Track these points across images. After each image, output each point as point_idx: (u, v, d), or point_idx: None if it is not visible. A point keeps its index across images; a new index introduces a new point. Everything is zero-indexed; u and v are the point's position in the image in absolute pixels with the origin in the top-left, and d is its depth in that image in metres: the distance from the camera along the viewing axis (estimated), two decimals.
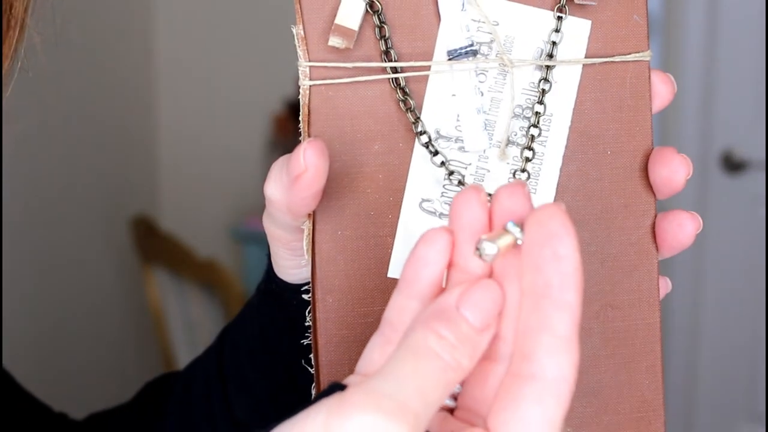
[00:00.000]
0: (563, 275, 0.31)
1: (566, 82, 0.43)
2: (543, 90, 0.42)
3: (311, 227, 0.41)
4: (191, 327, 1.87)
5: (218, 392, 0.53)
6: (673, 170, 0.43)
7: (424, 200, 0.42)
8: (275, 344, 0.49)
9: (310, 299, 0.42)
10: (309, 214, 0.41)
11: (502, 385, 0.32)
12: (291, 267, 0.45)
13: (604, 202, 0.43)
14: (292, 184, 0.38)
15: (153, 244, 1.90)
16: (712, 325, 2.06)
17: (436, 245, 0.33)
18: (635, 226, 0.43)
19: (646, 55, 0.43)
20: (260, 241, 2.30)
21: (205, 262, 1.81)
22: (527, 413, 0.31)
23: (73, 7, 1.87)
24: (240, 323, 0.53)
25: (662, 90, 0.44)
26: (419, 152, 0.41)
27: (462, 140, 0.42)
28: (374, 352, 0.33)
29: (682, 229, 0.43)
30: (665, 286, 0.45)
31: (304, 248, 0.42)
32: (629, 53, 0.43)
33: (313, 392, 0.42)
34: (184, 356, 1.81)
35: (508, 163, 0.42)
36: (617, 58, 0.43)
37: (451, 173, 0.41)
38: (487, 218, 0.33)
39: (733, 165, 2.00)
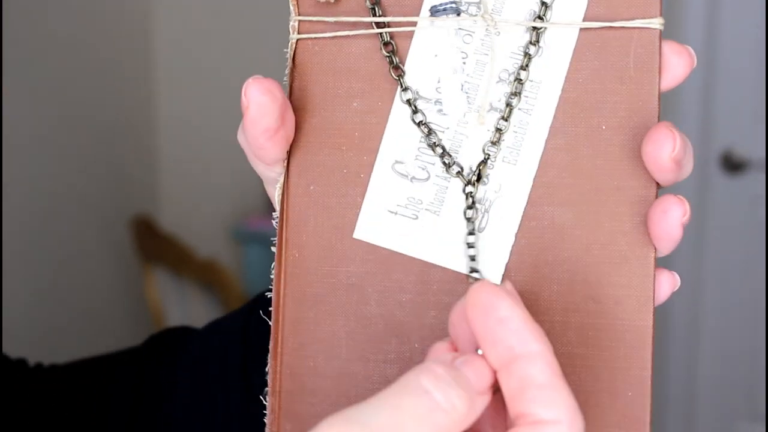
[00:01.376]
0: (516, 332, 0.31)
1: (559, 48, 0.39)
2: (528, 54, 0.39)
3: (285, 179, 0.41)
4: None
5: (238, 357, 0.52)
6: (657, 145, 0.37)
7: (397, 162, 0.40)
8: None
9: (276, 253, 0.41)
10: (284, 166, 0.41)
11: None
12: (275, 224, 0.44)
13: (595, 182, 0.39)
14: (243, 123, 0.39)
15: (153, 244, 1.90)
16: (712, 325, 2.06)
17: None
18: (630, 213, 0.38)
19: (655, 23, 0.38)
20: (260, 241, 2.31)
21: (205, 262, 1.81)
22: None
23: (73, 6, 1.87)
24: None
25: (675, 63, 0.38)
26: (398, 112, 0.40)
27: (441, 102, 0.40)
28: None
29: (666, 216, 0.37)
30: (672, 282, 0.40)
31: (276, 200, 0.41)
32: (634, 19, 0.38)
33: (270, 348, 0.41)
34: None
35: (488, 130, 0.39)
36: (618, 23, 0.38)
37: (429, 132, 0.39)
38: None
39: (733, 165, 1.99)
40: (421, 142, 0.40)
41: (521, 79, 0.39)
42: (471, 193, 0.39)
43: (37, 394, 0.56)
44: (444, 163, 0.39)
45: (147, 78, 2.20)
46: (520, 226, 0.39)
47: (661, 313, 2.10)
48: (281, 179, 0.41)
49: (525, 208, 0.39)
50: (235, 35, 2.19)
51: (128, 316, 2.09)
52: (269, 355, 0.41)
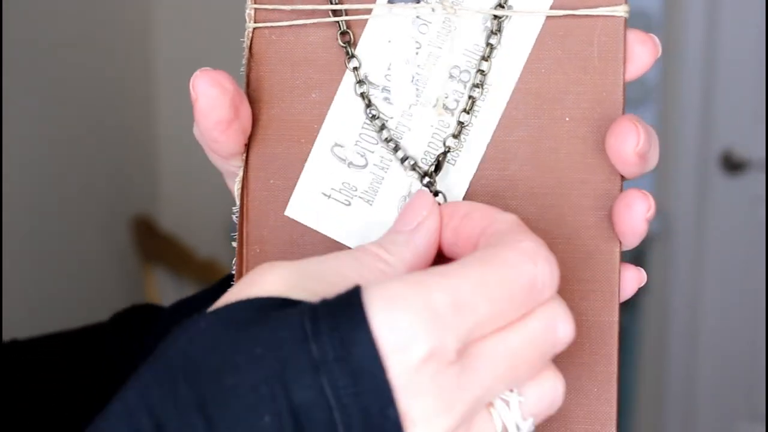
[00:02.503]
0: (483, 215, 0.33)
1: (519, 38, 0.38)
2: (490, 45, 0.38)
3: (244, 173, 0.40)
4: None
5: None
6: (621, 139, 0.36)
7: (336, 144, 0.39)
8: None
9: (237, 248, 0.40)
10: (242, 159, 0.40)
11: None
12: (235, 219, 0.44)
13: (558, 175, 0.38)
14: (194, 116, 0.38)
15: (153, 244, 1.90)
16: (712, 325, 2.06)
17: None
18: (594, 207, 0.37)
19: (619, 11, 0.37)
20: None
21: (205, 262, 1.81)
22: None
23: (73, 7, 1.87)
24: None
25: (640, 52, 0.38)
26: (343, 93, 0.39)
27: (389, 90, 0.39)
28: None
29: (630, 210, 0.36)
30: (638, 278, 0.39)
31: (235, 194, 0.40)
32: (598, 6, 0.37)
33: None
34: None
35: (431, 126, 0.38)
36: (582, 11, 0.37)
37: (381, 128, 0.38)
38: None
39: (733, 165, 1.99)
40: (363, 128, 0.39)
41: (483, 70, 0.38)
42: (431, 183, 0.38)
43: (7, 371, 0.55)
44: (397, 158, 0.39)
45: (147, 78, 2.20)
46: None
47: (662, 313, 2.10)
48: (240, 173, 0.40)
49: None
50: (235, 36, 2.18)
51: None
52: None
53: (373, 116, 0.39)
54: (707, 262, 2.01)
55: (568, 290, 0.37)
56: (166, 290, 1.90)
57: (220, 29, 2.24)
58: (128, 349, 0.54)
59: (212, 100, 0.37)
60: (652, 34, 0.38)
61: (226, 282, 0.53)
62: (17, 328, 1.64)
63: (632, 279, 0.39)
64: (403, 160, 0.39)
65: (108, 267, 2.02)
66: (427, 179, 0.38)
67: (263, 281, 0.31)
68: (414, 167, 0.39)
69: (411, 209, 0.34)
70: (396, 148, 0.38)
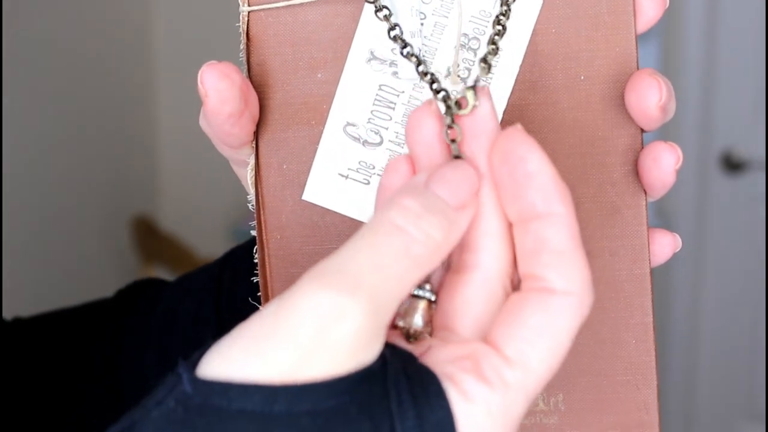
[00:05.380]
0: (542, 190, 0.29)
1: (525, 0, 0.37)
2: (507, 5, 0.36)
3: (256, 160, 0.39)
4: None
5: (212, 319, 0.51)
6: (641, 94, 0.36)
7: (348, 124, 0.38)
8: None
9: (257, 236, 0.39)
10: (252, 147, 0.39)
11: (508, 302, 0.30)
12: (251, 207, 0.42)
13: (578, 134, 0.37)
14: (203, 111, 0.37)
15: (153, 244, 1.90)
16: (712, 325, 2.06)
17: (397, 174, 0.31)
18: (617, 162, 0.37)
19: None
20: None
21: (205, 262, 1.81)
22: (533, 321, 0.29)
23: (74, 6, 1.87)
24: (245, 252, 0.51)
25: (647, 6, 0.37)
26: (350, 71, 0.38)
27: (396, 64, 0.38)
28: None
29: (657, 163, 0.36)
30: (673, 243, 0.39)
31: (249, 182, 0.40)
32: None
33: None
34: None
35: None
36: None
37: (404, 46, 0.36)
38: (443, 131, 0.31)
39: (733, 165, 1.99)
40: (375, 105, 0.38)
41: (501, 29, 0.36)
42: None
43: (13, 349, 0.54)
44: (434, 89, 0.36)
45: (147, 78, 2.20)
46: None
47: (662, 313, 2.10)
48: (251, 161, 0.39)
49: None
50: (235, 36, 2.19)
51: None
52: None
53: (395, 37, 0.36)
54: (707, 262, 2.01)
55: (597, 247, 0.37)
56: None
57: (220, 29, 2.24)
58: (132, 324, 0.54)
59: (222, 94, 0.36)
60: None
61: (230, 256, 0.52)
62: None
63: (668, 244, 0.39)
64: (437, 91, 0.36)
65: (108, 267, 2.02)
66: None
67: (308, 313, 0.27)
68: (445, 100, 0.37)
69: (454, 176, 0.30)
70: (432, 81, 0.36)
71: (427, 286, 0.31)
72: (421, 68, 0.36)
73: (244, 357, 0.27)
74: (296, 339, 0.26)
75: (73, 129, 1.89)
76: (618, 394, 0.38)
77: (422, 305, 0.30)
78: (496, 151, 0.30)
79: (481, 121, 0.31)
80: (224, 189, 2.25)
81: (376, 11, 0.37)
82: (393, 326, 0.30)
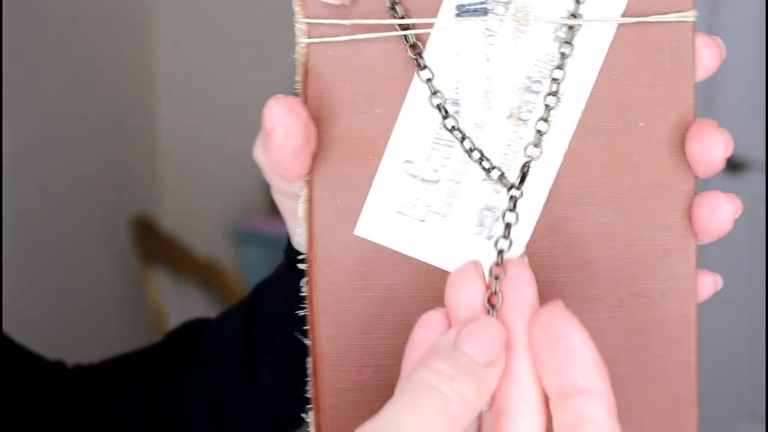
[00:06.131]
0: (584, 368, 0.31)
1: (590, 46, 0.38)
2: (563, 54, 0.38)
3: (308, 194, 0.39)
4: None
5: (243, 350, 0.53)
6: (707, 146, 0.37)
7: (407, 161, 0.38)
8: (299, 316, 0.48)
9: (307, 270, 0.39)
10: (306, 180, 0.39)
11: None
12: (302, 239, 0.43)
13: (635, 179, 0.39)
14: (266, 144, 0.37)
15: (153, 244, 1.90)
16: (712, 324, 2.06)
17: (433, 330, 0.32)
18: (670, 208, 0.39)
19: (689, 16, 0.38)
20: (260, 241, 2.30)
21: (206, 262, 1.81)
22: None
23: (74, 6, 1.87)
24: (269, 284, 0.52)
25: (707, 56, 0.38)
26: (410, 108, 0.38)
27: (459, 104, 0.38)
28: None
29: (715, 213, 0.38)
30: (714, 282, 0.41)
31: (300, 215, 0.39)
32: (669, 12, 0.38)
33: (309, 366, 0.40)
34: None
35: (505, 138, 0.38)
36: (653, 18, 0.38)
37: (463, 138, 0.38)
38: (485, 297, 0.32)
39: (733, 165, 1.99)
40: (435, 143, 0.38)
41: (557, 79, 0.38)
42: (515, 197, 0.38)
43: (76, 396, 0.57)
44: (483, 168, 0.38)
45: (147, 78, 2.20)
46: (562, 227, 0.39)
47: None
48: (303, 193, 0.39)
49: (561, 209, 0.39)
50: (235, 36, 2.19)
51: (128, 316, 2.09)
52: (309, 372, 0.40)
53: (453, 128, 0.38)
54: (707, 262, 2.01)
55: (648, 288, 0.39)
56: (166, 290, 1.90)
57: (220, 30, 2.24)
58: (176, 374, 0.56)
59: (289, 129, 0.36)
60: (717, 38, 0.39)
61: (256, 294, 0.53)
62: (17, 328, 1.64)
63: (709, 284, 0.41)
64: (488, 170, 0.38)
65: (108, 267, 2.02)
66: (513, 191, 0.38)
67: None
68: (501, 178, 0.38)
69: (481, 333, 0.31)
70: (481, 159, 0.38)
71: None
72: (466, 143, 0.37)
73: None
74: None
75: (74, 129, 1.89)
76: (661, 429, 0.39)
77: None
78: (537, 326, 0.32)
79: (520, 290, 0.33)
80: (224, 189, 2.25)
81: (420, 69, 0.38)
82: None
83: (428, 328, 0.33)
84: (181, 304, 1.89)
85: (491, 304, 0.33)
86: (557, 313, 0.31)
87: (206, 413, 0.55)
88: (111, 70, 2.03)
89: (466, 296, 0.33)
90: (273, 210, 2.18)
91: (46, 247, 1.81)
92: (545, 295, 0.38)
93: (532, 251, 0.39)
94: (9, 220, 1.61)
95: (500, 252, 0.37)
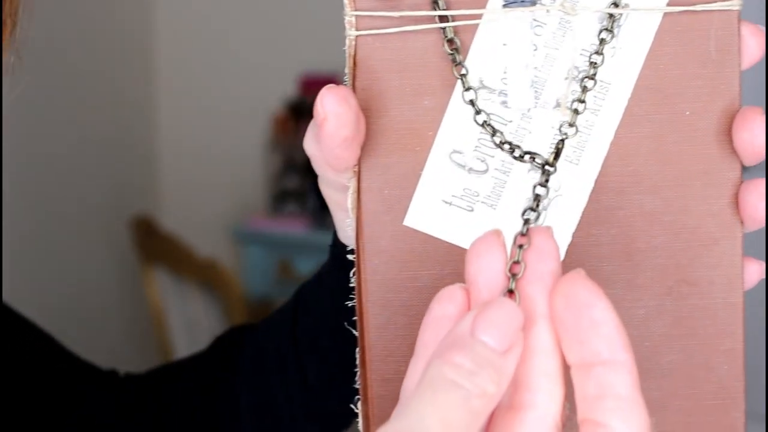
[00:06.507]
0: (608, 339, 0.30)
1: (636, 35, 0.38)
2: (602, 40, 0.38)
3: (356, 185, 0.39)
4: (191, 327, 1.87)
5: (290, 351, 0.53)
6: (755, 133, 0.37)
7: (455, 151, 0.39)
8: (345, 310, 0.47)
9: (355, 261, 0.40)
10: (354, 171, 0.39)
11: None
12: (350, 231, 0.42)
13: (682, 167, 0.39)
14: (318, 134, 0.37)
15: (153, 244, 1.90)
16: None
17: (452, 304, 0.32)
18: (717, 195, 0.39)
19: (734, 4, 0.39)
20: (260, 241, 2.30)
21: (206, 263, 1.81)
22: None
23: (74, 8, 1.87)
24: (313, 284, 0.53)
25: (752, 44, 0.39)
26: (458, 99, 0.39)
27: (506, 94, 0.38)
28: (411, 382, 0.32)
29: (763, 201, 0.38)
30: (759, 270, 0.41)
31: (349, 206, 0.39)
32: (714, 1, 0.38)
33: (357, 356, 0.40)
34: (183, 356, 1.81)
35: (552, 127, 0.38)
36: (699, 7, 0.38)
37: (494, 132, 0.38)
38: (506, 269, 0.32)
39: None
40: (482, 133, 0.39)
41: (595, 63, 0.38)
42: (548, 171, 0.38)
43: (126, 405, 0.58)
44: (515, 157, 0.38)
45: (148, 79, 2.20)
46: (609, 215, 0.39)
47: None
48: (352, 185, 0.39)
49: (606, 198, 0.39)
50: (235, 36, 2.19)
51: (128, 316, 2.09)
52: (357, 363, 0.40)
53: (484, 122, 0.38)
54: None
55: (696, 276, 0.39)
56: (166, 290, 1.90)
57: (220, 30, 2.24)
58: (223, 379, 0.57)
59: (341, 119, 0.36)
60: (761, 26, 0.40)
61: (299, 296, 0.54)
62: None
63: (755, 272, 0.41)
64: (521, 157, 0.38)
65: (108, 267, 2.02)
66: (547, 167, 0.38)
67: None
68: (533, 159, 0.38)
69: (499, 318, 0.31)
70: (512, 149, 0.38)
71: None
72: (497, 138, 0.38)
73: None
74: None
75: (74, 130, 1.89)
76: (708, 417, 0.40)
77: None
78: (558, 295, 0.31)
79: (544, 259, 0.32)
80: (224, 189, 2.25)
81: (455, 65, 0.38)
82: None
83: (447, 302, 0.32)
84: (181, 304, 1.89)
85: (513, 273, 0.32)
86: (579, 281, 0.31)
87: (254, 417, 0.55)
88: (111, 71, 2.03)
89: (487, 265, 0.32)
90: (273, 210, 2.19)
91: (46, 247, 1.81)
92: None
93: (578, 240, 0.39)
94: (9, 220, 1.61)
95: (526, 221, 0.37)
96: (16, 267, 1.65)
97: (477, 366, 0.30)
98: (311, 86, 2.11)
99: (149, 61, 2.20)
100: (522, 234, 0.33)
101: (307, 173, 2.09)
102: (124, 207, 2.05)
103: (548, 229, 0.33)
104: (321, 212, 2.06)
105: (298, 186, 2.11)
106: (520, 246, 0.32)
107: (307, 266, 2.03)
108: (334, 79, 1.84)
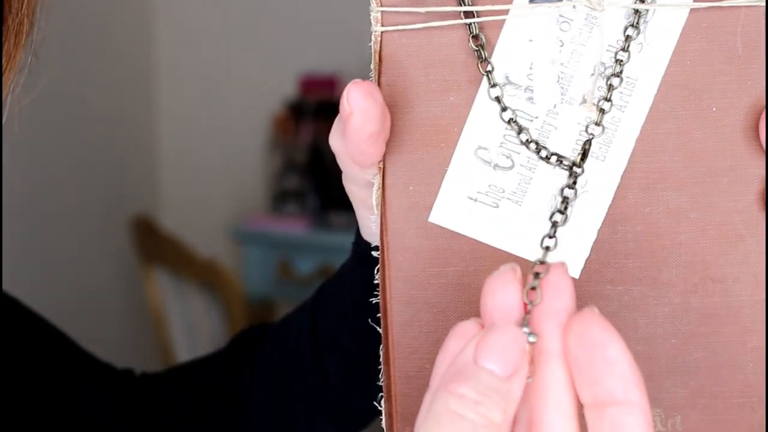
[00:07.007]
0: (622, 378, 0.30)
1: (662, 31, 0.38)
2: (628, 36, 0.38)
3: (381, 181, 0.39)
4: (191, 327, 1.87)
5: (310, 350, 0.53)
6: None
7: (480, 147, 0.38)
8: (366, 307, 0.46)
9: (379, 257, 0.39)
10: (379, 167, 0.39)
11: None
12: (374, 228, 0.42)
13: (708, 164, 0.38)
14: (344, 129, 0.37)
15: (153, 244, 1.90)
16: None
17: (465, 339, 0.32)
18: (743, 192, 0.39)
19: (761, 0, 0.38)
20: (260, 241, 2.30)
21: (206, 263, 1.81)
22: None
23: (74, 6, 1.87)
24: (334, 283, 0.52)
25: None
26: (484, 95, 0.38)
27: (532, 90, 0.38)
28: (422, 416, 0.32)
29: None
30: None
31: (374, 203, 0.39)
32: None
33: (381, 354, 0.40)
34: (184, 356, 1.81)
35: (578, 123, 0.38)
36: (726, 3, 0.38)
37: (520, 130, 0.38)
38: (522, 305, 0.32)
39: None
40: (507, 129, 0.38)
41: (621, 60, 0.38)
42: (576, 173, 0.38)
43: (143, 404, 0.58)
44: (541, 157, 0.38)
45: (148, 79, 2.20)
46: (635, 212, 0.39)
47: None
48: (376, 181, 0.39)
49: (630, 196, 0.38)
50: (236, 36, 2.19)
51: (128, 316, 2.09)
52: (381, 360, 0.40)
53: (510, 120, 0.38)
54: None
55: (721, 273, 0.39)
56: (166, 290, 1.90)
57: (220, 30, 2.24)
58: (241, 379, 0.57)
59: (367, 114, 0.36)
60: None
61: (319, 295, 0.54)
62: None
63: None
64: (547, 158, 0.38)
65: (108, 267, 2.02)
66: (575, 169, 0.38)
67: None
68: (560, 161, 0.38)
69: (501, 343, 0.31)
70: (538, 149, 0.38)
71: None
72: (523, 136, 0.37)
73: None
74: None
75: (74, 129, 1.89)
76: (734, 415, 0.39)
77: None
78: (572, 333, 0.31)
79: (558, 295, 0.32)
80: (224, 189, 2.25)
81: (480, 62, 0.38)
82: None
83: (462, 337, 0.32)
84: (181, 304, 1.89)
85: (530, 300, 0.32)
86: (593, 320, 0.30)
87: (270, 415, 0.55)
88: (112, 71, 2.03)
89: (503, 302, 0.32)
90: (273, 210, 2.19)
91: (46, 247, 1.81)
92: (617, 280, 0.38)
93: (603, 237, 0.39)
94: (9, 220, 1.61)
95: (554, 224, 0.37)
96: (16, 267, 1.65)
97: (481, 395, 0.30)
98: (311, 86, 2.11)
99: (149, 61, 2.20)
100: (541, 262, 0.33)
101: (307, 173, 2.09)
102: (124, 207, 2.05)
103: (563, 264, 0.32)
104: (321, 212, 2.06)
105: (298, 186, 2.11)
106: (537, 274, 0.32)
107: (307, 266, 2.03)
108: (334, 79, 1.86)
